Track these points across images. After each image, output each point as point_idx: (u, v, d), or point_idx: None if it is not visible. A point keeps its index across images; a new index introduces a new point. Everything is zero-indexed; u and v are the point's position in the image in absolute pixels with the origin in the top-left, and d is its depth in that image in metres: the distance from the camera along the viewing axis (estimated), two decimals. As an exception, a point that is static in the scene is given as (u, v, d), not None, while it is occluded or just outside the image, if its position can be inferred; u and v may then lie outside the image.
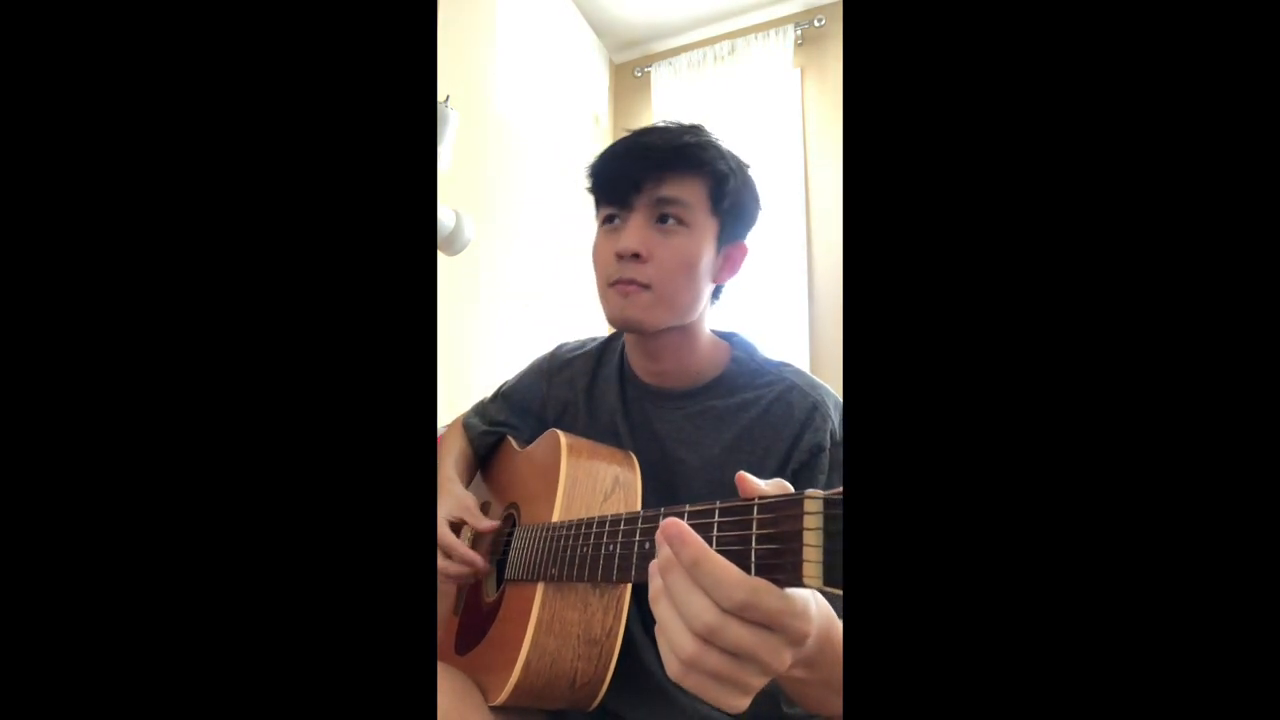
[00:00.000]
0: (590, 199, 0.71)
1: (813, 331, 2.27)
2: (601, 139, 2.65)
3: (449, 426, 0.90)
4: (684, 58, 2.63)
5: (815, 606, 0.33)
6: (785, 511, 0.32)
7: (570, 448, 0.65)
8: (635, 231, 0.63)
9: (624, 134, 0.68)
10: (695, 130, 0.66)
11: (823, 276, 2.30)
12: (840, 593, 0.28)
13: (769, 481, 0.37)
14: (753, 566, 0.32)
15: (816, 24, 2.43)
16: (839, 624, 0.38)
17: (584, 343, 0.84)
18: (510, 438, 0.84)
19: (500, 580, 0.69)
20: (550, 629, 0.56)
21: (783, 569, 0.31)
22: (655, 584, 0.33)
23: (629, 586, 0.59)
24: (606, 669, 0.57)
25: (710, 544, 0.32)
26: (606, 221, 0.67)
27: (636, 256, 0.63)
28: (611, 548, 0.48)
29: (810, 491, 0.31)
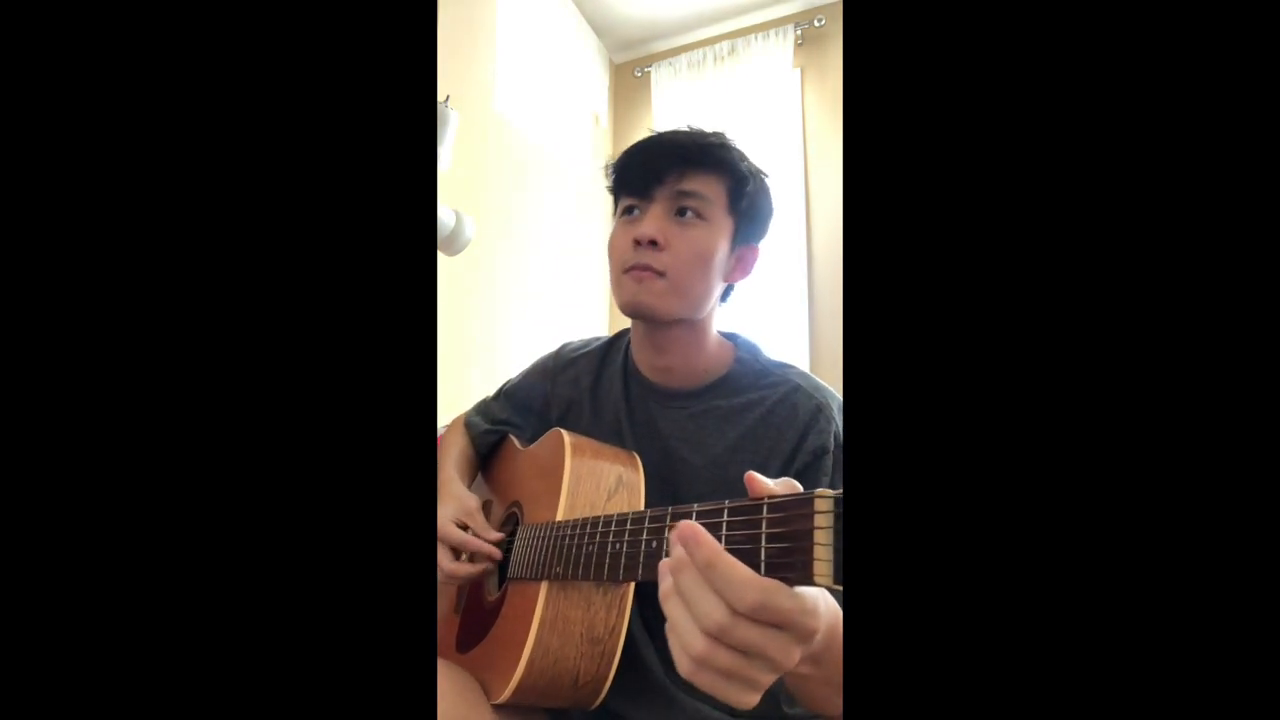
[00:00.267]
0: (598, 199, 0.73)
1: (813, 331, 2.27)
2: (601, 139, 2.65)
3: (450, 425, 0.90)
4: (684, 58, 2.63)
5: (824, 603, 0.34)
6: (796, 511, 0.32)
7: (574, 447, 0.65)
8: (654, 220, 0.65)
9: (626, 134, 0.69)
10: (719, 135, 0.68)
11: (823, 276, 2.30)
12: None
13: (777, 481, 0.37)
14: (762, 565, 0.33)
15: (816, 24, 2.43)
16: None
17: (588, 342, 0.84)
18: (512, 437, 0.84)
19: (502, 579, 0.69)
20: (554, 627, 0.56)
21: (793, 567, 0.31)
22: (666, 583, 0.34)
23: (632, 585, 0.59)
24: (609, 667, 0.58)
25: (719, 543, 0.32)
26: (626, 212, 0.69)
27: (654, 244, 0.64)
28: (618, 546, 0.48)
29: (820, 491, 0.31)
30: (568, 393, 0.80)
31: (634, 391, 0.75)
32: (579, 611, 0.57)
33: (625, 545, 0.47)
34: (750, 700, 0.32)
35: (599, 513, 0.58)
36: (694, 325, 0.69)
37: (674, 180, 0.65)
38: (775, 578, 0.31)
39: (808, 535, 0.31)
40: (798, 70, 2.45)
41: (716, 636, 0.31)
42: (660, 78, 2.66)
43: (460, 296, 1.75)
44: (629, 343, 0.77)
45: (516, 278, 2.04)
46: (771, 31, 2.48)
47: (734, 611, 0.31)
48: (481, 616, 0.68)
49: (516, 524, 0.70)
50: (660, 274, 0.64)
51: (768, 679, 0.32)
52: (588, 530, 0.53)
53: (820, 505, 0.31)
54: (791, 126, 2.42)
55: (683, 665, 0.33)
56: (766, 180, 0.71)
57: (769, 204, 0.71)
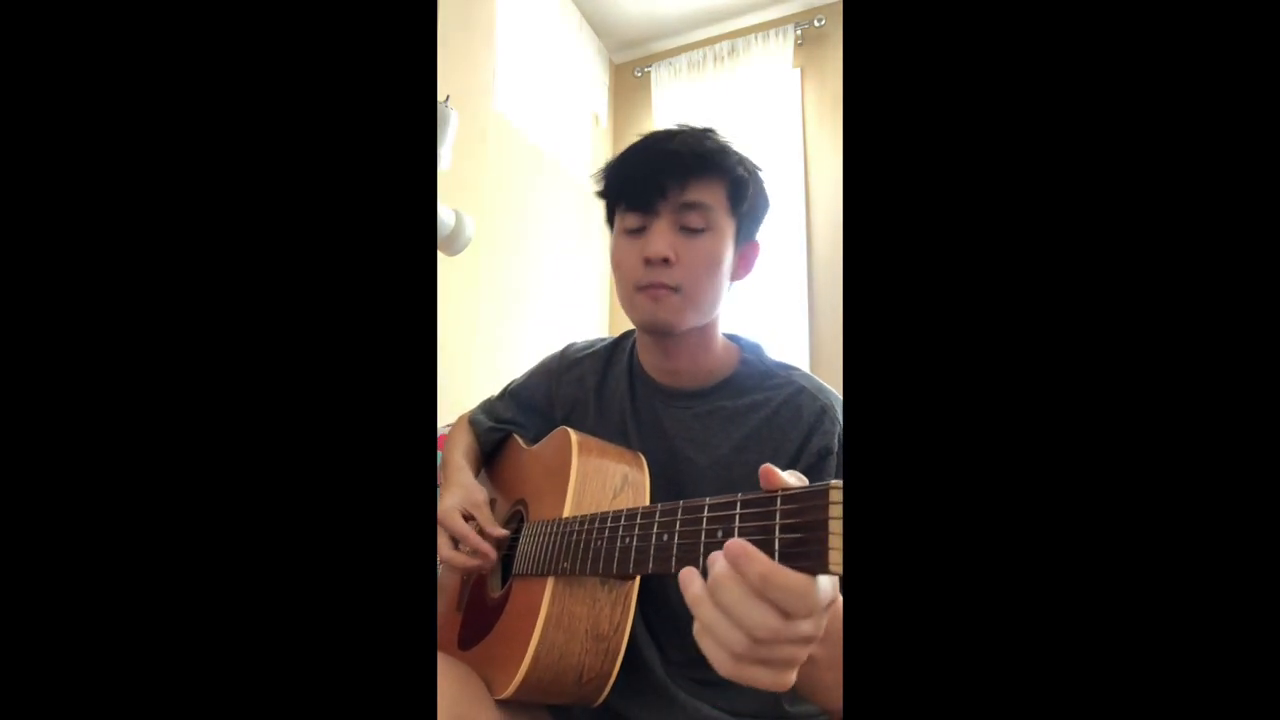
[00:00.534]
0: (598, 203, 0.72)
1: (813, 331, 2.27)
2: (601, 139, 2.65)
3: (455, 424, 0.91)
4: (684, 58, 2.63)
5: (833, 585, 0.35)
6: (811, 502, 0.33)
7: (581, 445, 0.65)
8: (662, 236, 0.65)
9: (626, 134, 0.69)
10: (711, 134, 0.67)
11: (823, 276, 2.30)
12: None
13: (788, 472, 0.38)
14: (776, 554, 0.34)
15: (816, 24, 2.43)
16: None
17: (593, 343, 0.85)
18: (517, 436, 0.84)
19: (505, 577, 0.69)
20: (559, 623, 0.56)
21: (807, 556, 0.32)
22: (695, 588, 0.35)
23: (636, 584, 0.59)
24: (613, 664, 0.58)
25: (732, 534, 0.34)
26: (631, 228, 0.68)
27: (666, 261, 0.64)
28: (628, 540, 0.48)
29: (835, 482, 0.32)
30: (572, 392, 0.80)
31: (639, 392, 0.75)
32: (584, 608, 0.57)
33: (636, 539, 0.47)
34: (791, 679, 0.34)
35: (606, 510, 0.59)
36: (703, 330, 0.69)
37: (676, 193, 0.64)
38: (791, 567, 0.33)
39: (822, 525, 0.32)
40: (798, 70, 2.45)
41: (770, 640, 0.32)
42: (660, 78, 2.66)
43: (460, 296, 1.75)
44: (634, 343, 0.78)
45: (516, 278, 2.04)
46: (771, 32, 2.48)
47: (786, 617, 0.32)
48: (485, 614, 0.69)
49: (521, 521, 0.70)
50: (674, 289, 0.64)
51: (804, 653, 0.34)
52: (596, 525, 0.53)
53: (835, 496, 0.32)
54: (791, 126, 2.42)
55: (725, 666, 0.34)
56: (761, 174, 0.70)
57: (766, 199, 0.71)
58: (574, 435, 0.67)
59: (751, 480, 0.38)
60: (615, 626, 0.58)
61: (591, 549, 0.52)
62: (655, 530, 0.45)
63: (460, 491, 0.73)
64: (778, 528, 0.34)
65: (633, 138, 0.69)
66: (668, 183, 0.64)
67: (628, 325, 0.76)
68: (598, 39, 2.68)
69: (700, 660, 0.35)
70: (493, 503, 0.81)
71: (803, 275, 2.31)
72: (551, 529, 0.60)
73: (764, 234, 0.73)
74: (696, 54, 2.60)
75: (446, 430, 0.93)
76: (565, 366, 0.83)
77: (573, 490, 0.62)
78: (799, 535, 0.33)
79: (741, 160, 0.67)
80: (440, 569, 0.80)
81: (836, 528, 0.31)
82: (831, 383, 0.68)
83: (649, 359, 0.74)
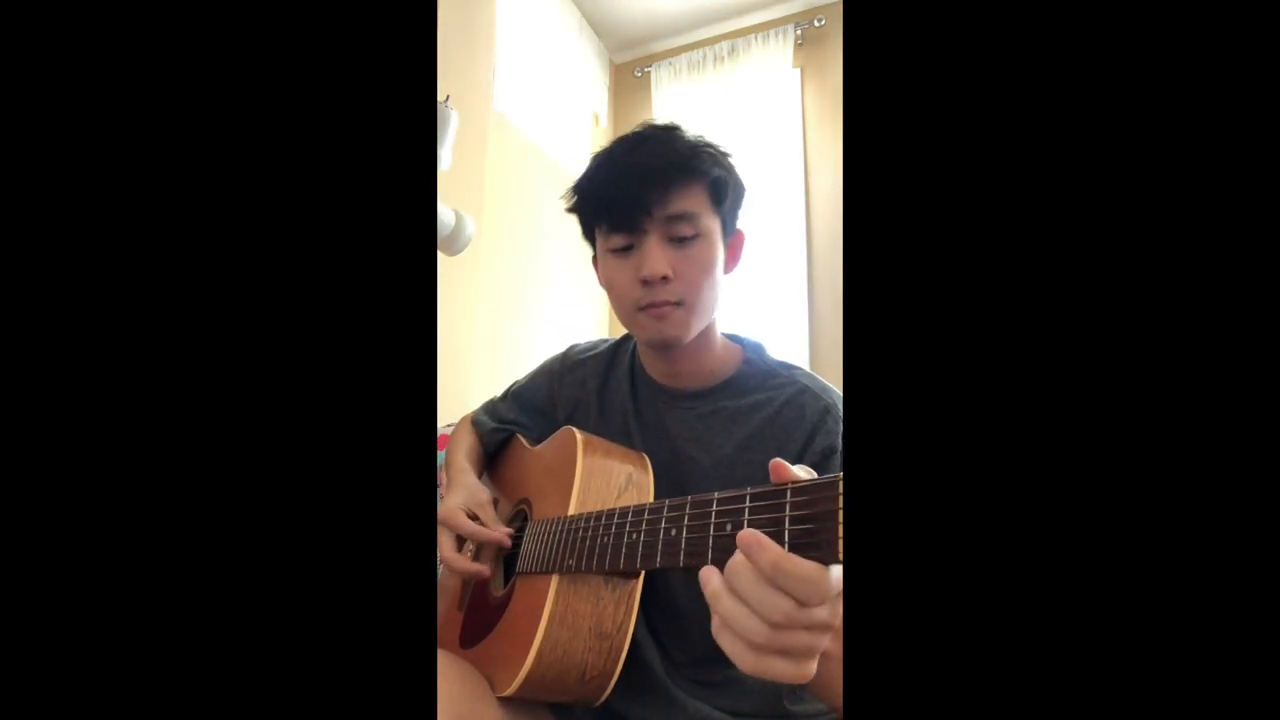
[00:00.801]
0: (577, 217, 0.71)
1: (813, 331, 2.27)
2: (601, 139, 2.65)
3: (458, 424, 0.91)
4: (684, 58, 2.63)
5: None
6: (822, 493, 0.33)
7: (586, 444, 0.65)
8: (656, 255, 0.63)
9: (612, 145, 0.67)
10: (678, 133, 0.66)
11: (823, 276, 2.30)
12: None
13: (798, 466, 0.38)
14: (786, 545, 0.34)
15: (816, 24, 2.43)
16: None
17: (595, 344, 0.85)
18: (519, 436, 0.84)
19: (508, 576, 0.69)
20: (563, 621, 0.56)
21: (818, 546, 0.33)
22: (714, 583, 0.35)
23: (639, 584, 0.59)
24: (616, 663, 0.58)
25: (741, 527, 0.34)
26: (617, 247, 0.66)
27: (664, 279, 0.63)
28: (635, 536, 0.48)
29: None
30: (574, 394, 0.81)
31: (642, 393, 0.75)
32: (588, 606, 0.57)
33: (643, 535, 0.47)
34: (811, 670, 0.34)
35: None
36: (704, 331, 0.69)
37: (661, 208, 0.63)
38: (800, 556, 0.33)
39: (833, 516, 0.32)
40: (797, 70, 2.45)
41: (786, 625, 0.33)
42: (660, 78, 2.67)
43: (460, 296, 1.75)
44: (635, 345, 0.78)
45: (516, 278, 2.04)
46: (771, 32, 2.48)
47: (802, 602, 0.32)
48: (487, 612, 0.69)
49: (524, 521, 0.71)
50: (678, 304, 0.64)
51: (822, 642, 0.34)
52: (602, 522, 0.53)
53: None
54: (791, 126, 2.42)
55: (745, 660, 0.34)
56: (730, 159, 0.69)
57: (741, 185, 0.70)
58: (579, 434, 0.67)
59: (755, 479, 0.38)
60: (618, 625, 0.58)
61: (598, 545, 0.52)
62: (663, 525, 0.45)
63: (464, 492, 0.74)
64: (788, 519, 0.34)
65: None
66: (650, 199, 0.63)
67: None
68: (598, 39, 2.69)
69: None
70: (495, 503, 0.81)
71: (802, 275, 2.30)
72: (556, 527, 0.60)
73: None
74: (696, 54, 2.60)
75: (448, 430, 0.94)
76: (567, 368, 0.83)
77: (577, 489, 0.62)
78: (809, 526, 0.33)
79: (714, 155, 0.66)
80: (441, 570, 0.80)
81: None
82: (831, 381, 0.68)
83: (651, 361, 0.74)
